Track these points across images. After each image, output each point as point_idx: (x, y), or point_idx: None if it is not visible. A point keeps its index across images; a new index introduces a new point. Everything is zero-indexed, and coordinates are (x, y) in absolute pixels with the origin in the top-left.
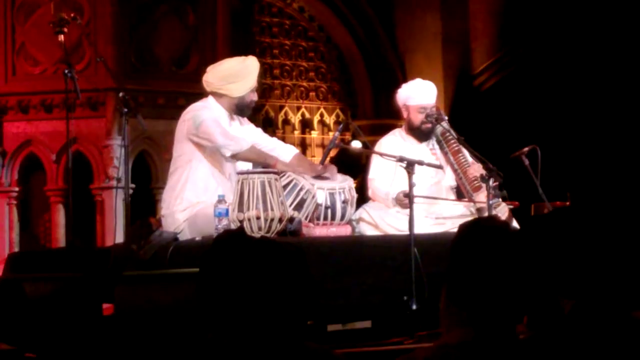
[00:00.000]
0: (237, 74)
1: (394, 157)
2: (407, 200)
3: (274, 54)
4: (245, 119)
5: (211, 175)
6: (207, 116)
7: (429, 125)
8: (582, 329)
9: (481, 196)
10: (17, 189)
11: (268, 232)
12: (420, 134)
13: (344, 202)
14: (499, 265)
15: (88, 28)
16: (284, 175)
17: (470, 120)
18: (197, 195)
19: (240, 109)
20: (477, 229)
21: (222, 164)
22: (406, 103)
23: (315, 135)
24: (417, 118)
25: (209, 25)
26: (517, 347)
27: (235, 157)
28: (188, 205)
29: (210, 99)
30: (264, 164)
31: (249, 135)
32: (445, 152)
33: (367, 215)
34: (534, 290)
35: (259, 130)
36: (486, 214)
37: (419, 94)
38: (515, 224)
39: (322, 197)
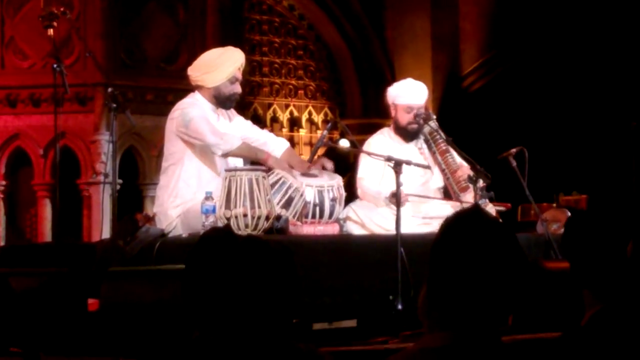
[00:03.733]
0: (211, 64)
1: (382, 156)
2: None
3: (263, 52)
4: (234, 112)
5: (203, 172)
6: (195, 114)
7: (415, 126)
8: (607, 333)
9: (468, 197)
10: (4, 182)
11: (255, 229)
12: (406, 133)
13: (333, 200)
14: (485, 265)
15: (77, 23)
16: (272, 173)
17: (459, 121)
18: (190, 192)
19: (220, 101)
20: (461, 225)
21: (213, 160)
22: (394, 102)
23: (303, 133)
24: (404, 118)
25: (198, 22)
26: (501, 350)
27: (227, 155)
28: (181, 202)
29: (197, 94)
30: (255, 159)
31: (239, 129)
32: (433, 152)
33: (354, 215)
34: (518, 290)
35: (249, 123)
36: None
37: (407, 93)
38: None
39: (310, 195)
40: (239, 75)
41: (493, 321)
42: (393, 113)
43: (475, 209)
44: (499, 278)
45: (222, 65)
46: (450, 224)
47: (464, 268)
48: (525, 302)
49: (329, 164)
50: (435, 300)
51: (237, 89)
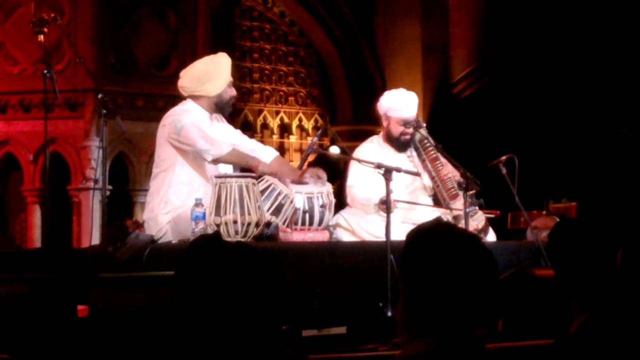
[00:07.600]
0: (209, 73)
1: (372, 163)
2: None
3: (254, 58)
4: (223, 119)
5: (194, 179)
6: (187, 120)
7: (408, 137)
8: (597, 341)
9: (458, 204)
10: None
11: (245, 236)
12: (398, 144)
13: (322, 206)
14: (450, 272)
15: (68, 28)
16: (262, 180)
17: (449, 128)
18: (180, 199)
19: (221, 107)
20: (423, 236)
21: (204, 167)
22: (387, 113)
23: (293, 140)
24: (397, 130)
25: (189, 28)
26: (485, 357)
27: (217, 161)
28: (171, 209)
29: (189, 102)
30: (246, 166)
31: (228, 135)
32: (423, 159)
33: (343, 221)
34: (490, 294)
35: (238, 132)
36: (463, 222)
37: (401, 106)
38: (491, 232)
39: (300, 202)
40: (231, 78)
41: (471, 326)
42: (385, 123)
43: (437, 220)
44: (467, 284)
45: (219, 72)
46: (414, 237)
47: (431, 277)
48: (514, 309)
49: (324, 174)
50: (411, 310)
51: (234, 91)
